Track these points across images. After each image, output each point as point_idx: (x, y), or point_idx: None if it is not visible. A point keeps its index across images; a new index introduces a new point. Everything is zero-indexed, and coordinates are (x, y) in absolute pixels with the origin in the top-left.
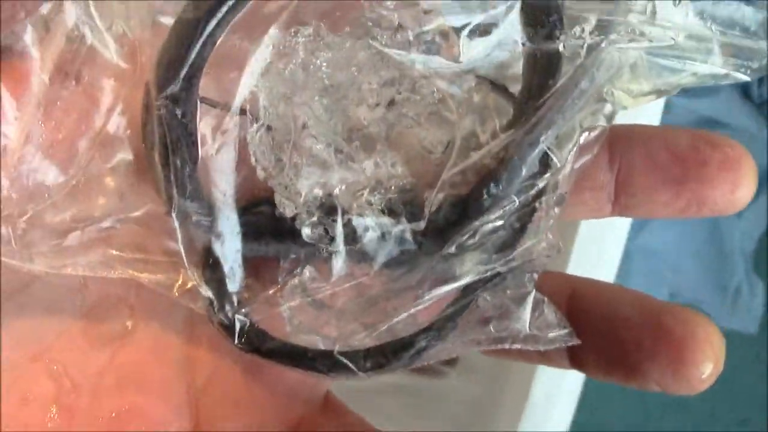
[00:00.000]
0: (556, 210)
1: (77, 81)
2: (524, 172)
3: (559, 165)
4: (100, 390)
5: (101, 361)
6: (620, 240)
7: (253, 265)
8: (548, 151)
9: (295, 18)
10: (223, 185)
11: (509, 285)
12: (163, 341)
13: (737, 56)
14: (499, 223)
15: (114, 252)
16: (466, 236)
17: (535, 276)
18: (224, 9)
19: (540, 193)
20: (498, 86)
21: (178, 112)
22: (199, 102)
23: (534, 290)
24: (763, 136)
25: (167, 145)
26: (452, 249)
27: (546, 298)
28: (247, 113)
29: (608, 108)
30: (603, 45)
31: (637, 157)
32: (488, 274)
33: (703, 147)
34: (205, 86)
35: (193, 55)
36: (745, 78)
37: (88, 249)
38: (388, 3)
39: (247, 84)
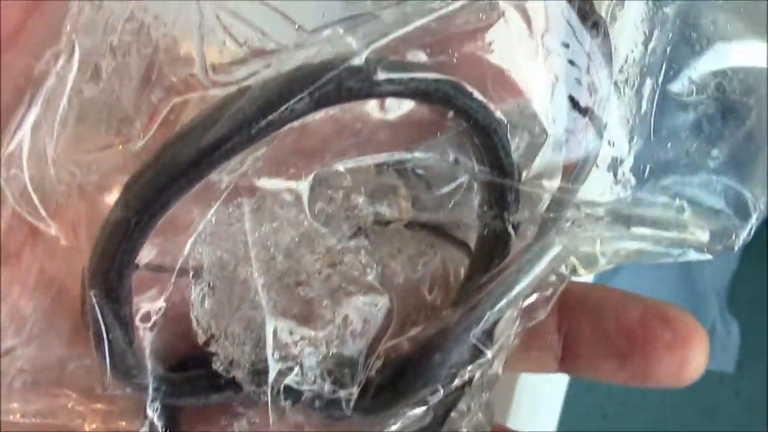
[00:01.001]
0: (486, 395)
1: (18, 259)
2: (453, 360)
3: (489, 356)
4: None
5: None
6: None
7: (195, 412)
8: (477, 344)
9: (244, 182)
10: (157, 360)
11: None
12: None
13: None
14: (423, 409)
15: (58, 402)
16: (391, 421)
17: None
18: (155, 209)
19: (469, 381)
20: (450, 238)
21: (111, 300)
22: (135, 277)
23: None
24: None
25: (100, 329)
26: None
27: None
28: (190, 278)
29: (562, 270)
30: (552, 232)
31: (585, 325)
32: None
33: (653, 323)
34: (148, 250)
35: (122, 252)
36: (707, 257)
37: (34, 399)
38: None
39: (190, 250)
